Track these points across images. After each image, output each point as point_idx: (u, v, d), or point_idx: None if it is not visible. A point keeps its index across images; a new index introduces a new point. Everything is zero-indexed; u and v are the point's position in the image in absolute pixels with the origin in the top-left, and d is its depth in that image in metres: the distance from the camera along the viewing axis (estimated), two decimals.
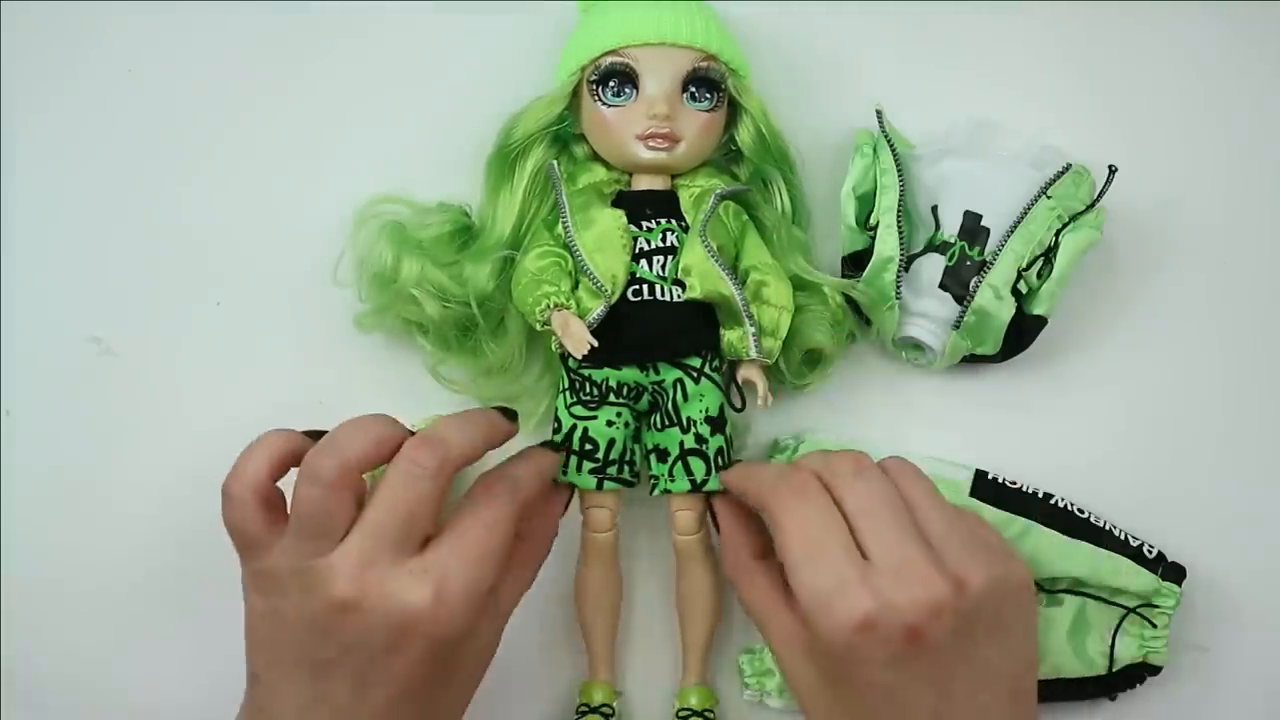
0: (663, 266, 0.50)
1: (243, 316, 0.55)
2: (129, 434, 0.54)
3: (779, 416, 0.55)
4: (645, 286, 0.50)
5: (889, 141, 0.54)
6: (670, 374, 0.50)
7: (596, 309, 0.49)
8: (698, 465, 0.50)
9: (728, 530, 0.49)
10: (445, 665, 0.42)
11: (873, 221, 0.53)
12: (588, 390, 0.50)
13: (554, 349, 0.50)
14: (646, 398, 0.51)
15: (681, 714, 0.52)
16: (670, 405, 0.50)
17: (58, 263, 0.55)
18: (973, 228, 0.53)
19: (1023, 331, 0.53)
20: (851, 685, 0.42)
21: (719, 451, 0.50)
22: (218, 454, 0.44)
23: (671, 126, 0.50)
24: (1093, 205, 0.54)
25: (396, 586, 0.40)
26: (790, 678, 0.45)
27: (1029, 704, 0.44)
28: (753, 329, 0.50)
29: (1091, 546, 0.52)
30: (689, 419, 0.50)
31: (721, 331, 0.50)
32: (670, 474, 0.50)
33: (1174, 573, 0.52)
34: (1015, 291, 0.53)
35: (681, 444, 0.50)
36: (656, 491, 0.51)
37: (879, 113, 0.54)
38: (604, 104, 0.51)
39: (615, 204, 0.51)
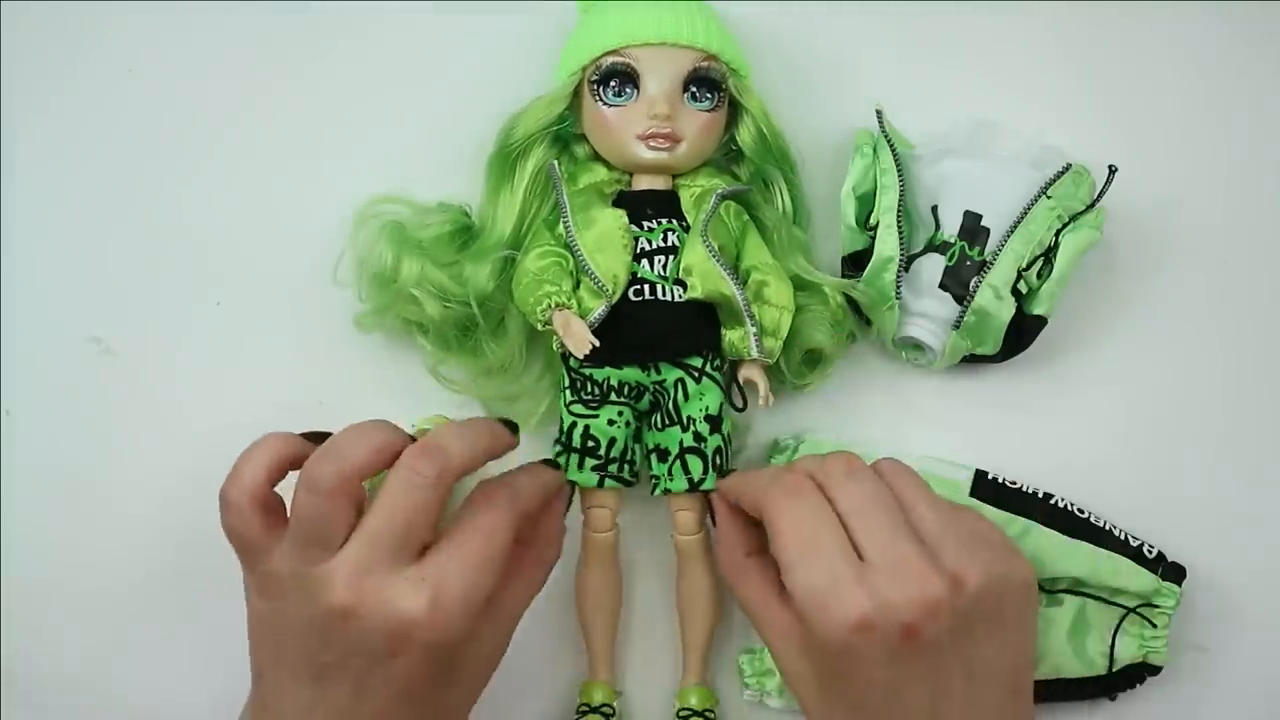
0: (664, 266, 0.50)
1: (243, 317, 0.55)
2: (129, 434, 0.54)
3: (779, 416, 0.55)
4: (646, 286, 0.50)
5: (889, 141, 0.54)
6: (671, 374, 0.50)
7: (598, 309, 0.49)
8: (695, 464, 0.50)
9: (723, 526, 0.49)
10: (445, 669, 0.42)
11: (873, 221, 0.53)
12: (589, 390, 0.50)
13: (555, 349, 0.50)
14: (648, 397, 0.51)
15: (681, 714, 0.52)
16: (671, 405, 0.50)
17: (58, 263, 0.55)
18: (973, 228, 0.53)
19: (1023, 331, 0.53)
20: (849, 683, 0.42)
21: (717, 451, 0.50)
22: (217, 454, 0.43)
23: (672, 126, 0.50)
24: (1093, 205, 0.54)
25: (393, 594, 0.40)
26: (787, 673, 0.45)
27: (1027, 700, 0.44)
28: (754, 329, 0.50)
29: (1091, 546, 0.52)
30: (689, 418, 0.50)
31: (722, 331, 0.50)
32: (670, 473, 0.50)
33: (1174, 573, 0.52)
34: (1015, 291, 0.52)
35: (681, 443, 0.50)
36: (657, 491, 0.51)
37: (879, 113, 0.54)
38: (605, 104, 0.51)
39: (616, 204, 0.51)
